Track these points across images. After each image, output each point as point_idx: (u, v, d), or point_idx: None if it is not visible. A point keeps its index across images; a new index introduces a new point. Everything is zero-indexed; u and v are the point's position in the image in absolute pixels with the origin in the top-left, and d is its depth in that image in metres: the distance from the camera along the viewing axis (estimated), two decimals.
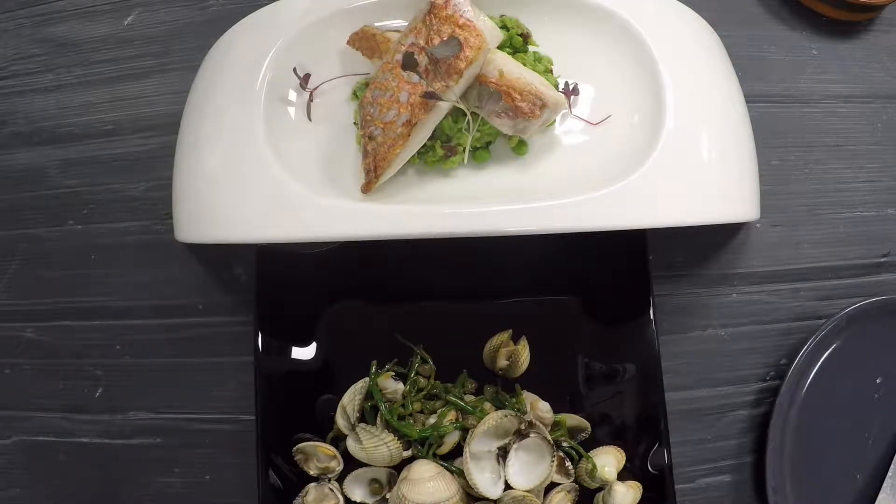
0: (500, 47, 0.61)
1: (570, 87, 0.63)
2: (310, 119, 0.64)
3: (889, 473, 0.66)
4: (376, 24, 0.63)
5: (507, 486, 0.62)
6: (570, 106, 0.63)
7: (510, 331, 0.67)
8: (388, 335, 0.68)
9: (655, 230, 0.67)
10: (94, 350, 0.73)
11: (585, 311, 0.68)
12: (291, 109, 0.64)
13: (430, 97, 0.57)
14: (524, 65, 0.60)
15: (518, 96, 0.58)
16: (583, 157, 0.62)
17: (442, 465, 0.64)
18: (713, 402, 0.69)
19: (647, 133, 0.60)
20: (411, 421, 0.65)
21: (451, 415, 0.65)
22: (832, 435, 0.67)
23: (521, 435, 0.62)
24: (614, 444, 0.65)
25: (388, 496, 0.63)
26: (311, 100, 0.64)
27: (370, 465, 0.64)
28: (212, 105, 0.64)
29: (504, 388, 0.67)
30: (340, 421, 0.65)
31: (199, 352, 0.72)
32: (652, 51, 0.61)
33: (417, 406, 0.66)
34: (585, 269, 0.68)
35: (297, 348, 0.68)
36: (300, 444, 0.64)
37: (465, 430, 0.64)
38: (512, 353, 0.66)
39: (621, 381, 0.66)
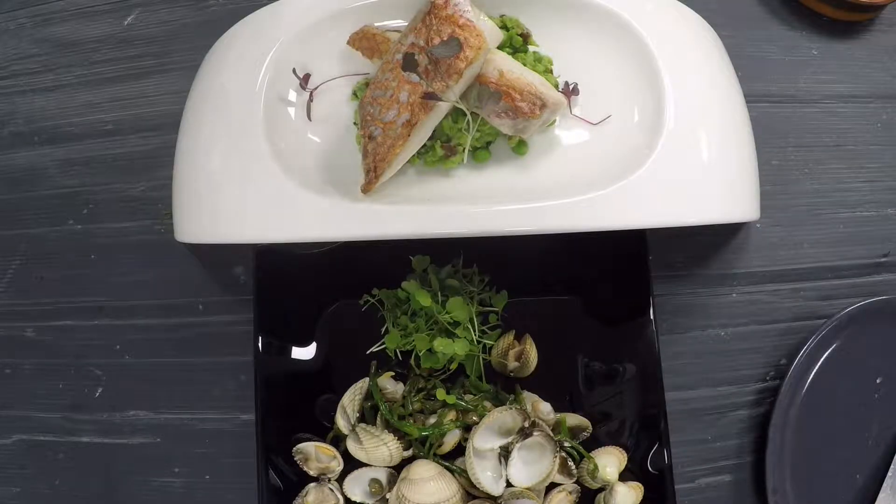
0: (500, 47, 0.61)
1: (570, 87, 0.63)
2: (310, 119, 0.64)
3: (889, 473, 0.66)
4: (376, 24, 0.63)
5: (509, 485, 0.62)
6: (570, 106, 0.63)
7: (513, 331, 0.67)
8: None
9: (655, 230, 0.67)
10: (94, 350, 0.73)
11: (585, 311, 0.68)
12: (291, 109, 0.64)
13: (430, 97, 0.57)
14: (524, 65, 0.60)
15: (518, 96, 0.58)
16: (583, 157, 0.62)
17: (442, 465, 0.64)
18: (713, 402, 0.69)
19: (647, 133, 0.60)
20: (411, 421, 0.65)
21: (452, 414, 0.65)
22: (832, 435, 0.67)
23: (524, 434, 0.62)
24: (615, 445, 0.65)
25: (388, 496, 0.63)
26: (311, 100, 0.64)
27: (370, 465, 0.64)
28: (212, 105, 0.64)
29: (503, 388, 0.67)
30: (340, 421, 0.65)
31: (199, 352, 0.72)
32: (652, 51, 0.61)
33: (417, 406, 0.66)
34: (585, 269, 0.68)
35: (297, 348, 0.68)
36: (300, 444, 0.65)
37: (466, 429, 0.64)
38: (521, 352, 0.66)
39: (621, 381, 0.66)
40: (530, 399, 0.66)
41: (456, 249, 0.69)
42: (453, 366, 0.67)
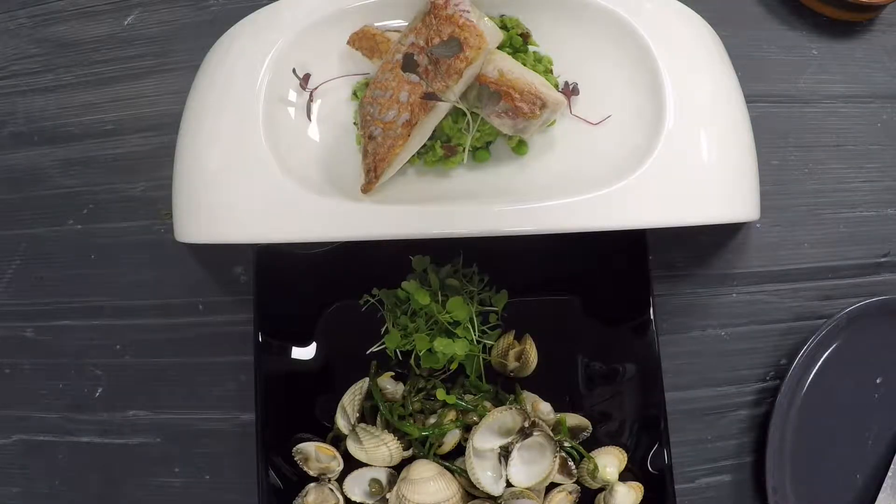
0: (500, 47, 0.61)
1: (570, 87, 0.63)
2: (310, 119, 0.64)
3: (889, 473, 0.66)
4: (376, 24, 0.63)
5: (509, 485, 0.62)
6: (570, 106, 0.63)
7: (513, 331, 0.67)
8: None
9: (655, 230, 0.67)
10: (94, 350, 0.73)
11: (585, 311, 0.68)
12: (291, 109, 0.64)
13: (430, 97, 0.57)
14: (524, 65, 0.60)
15: (518, 96, 0.58)
16: (583, 157, 0.62)
17: (442, 465, 0.64)
18: (713, 402, 0.69)
19: (647, 133, 0.60)
20: (411, 421, 0.65)
21: (452, 414, 0.65)
22: (832, 435, 0.67)
23: (524, 434, 0.62)
24: (615, 445, 0.65)
25: (388, 496, 0.63)
26: (311, 100, 0.64)
27: (370, 465, 0.64)
28: (212, 105, 0.63)
29: (503, 388, 0.67)
30: (340, 421, 0.65)
31: (199, 352, 0.72)
32: (652, 51, 0.61)
33: (417, 406, 0.66)
34: (585, 269, 0.68)
35: (297, 348, 0.68)
36: (300, 444, 0.65)
37: (466, 429, 0.64)
38: (521, 352, 0.66)
39: (621, 381, 0.66)
40: (530, 399, 0.66)
41: (456, 249, 0.69)
42: (453, 366, 0.66)
